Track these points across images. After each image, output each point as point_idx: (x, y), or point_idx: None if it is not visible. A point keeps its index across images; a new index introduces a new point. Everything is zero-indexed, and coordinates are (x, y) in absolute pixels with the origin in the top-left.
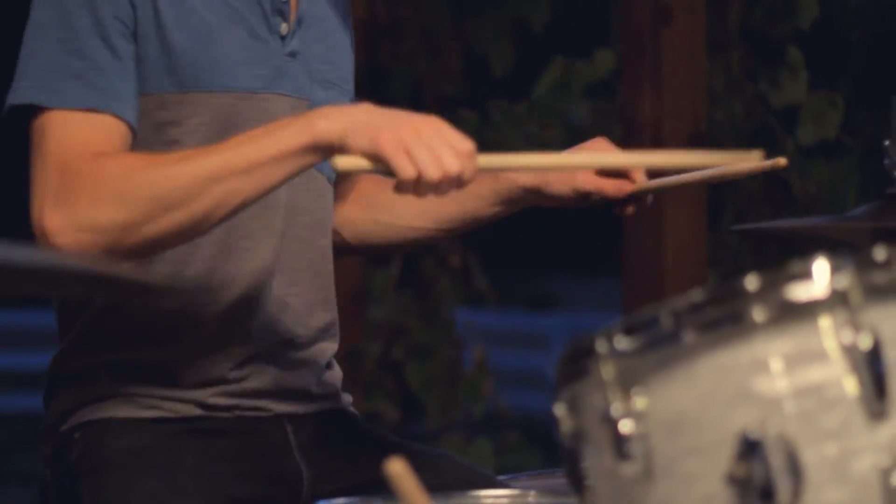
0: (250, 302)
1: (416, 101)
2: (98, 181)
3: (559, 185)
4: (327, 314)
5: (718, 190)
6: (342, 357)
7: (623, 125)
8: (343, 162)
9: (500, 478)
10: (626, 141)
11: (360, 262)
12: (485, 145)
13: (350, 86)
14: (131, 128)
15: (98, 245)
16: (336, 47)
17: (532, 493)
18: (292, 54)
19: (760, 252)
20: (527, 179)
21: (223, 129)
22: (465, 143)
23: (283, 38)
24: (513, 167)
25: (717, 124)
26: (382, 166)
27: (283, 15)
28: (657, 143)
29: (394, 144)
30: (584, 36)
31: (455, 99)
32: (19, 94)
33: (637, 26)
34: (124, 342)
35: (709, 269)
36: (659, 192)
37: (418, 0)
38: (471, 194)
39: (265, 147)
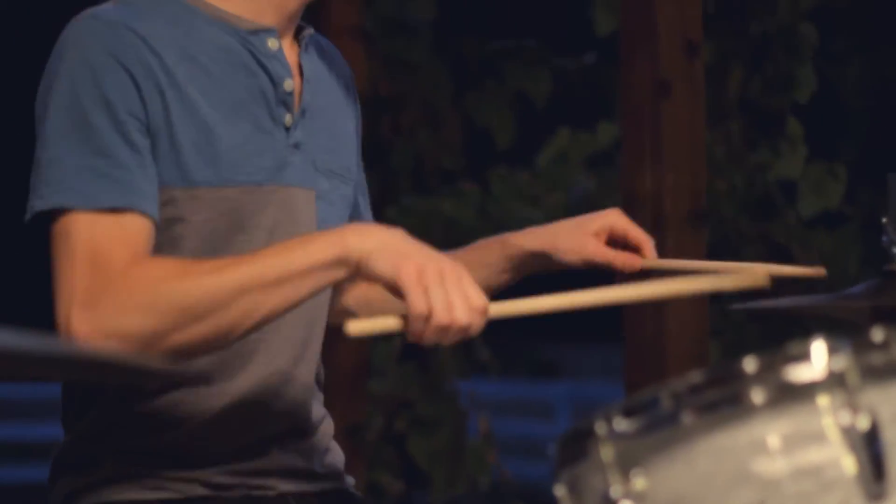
0: (260, 394)
1: (417, 173)
2: (128, 289)
3: (570, 255)
4: (320, 396)
5: (719, 260)
6: (345, 431)
7: (623, 198)
8: (355, 327)
9: None
10: (626, 214)
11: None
12: (486, 218)
13: (352, 174)
14: (155, 222)
15: (124, 345)
16: (339, 136)
17: None
18: (296, 145)
19: (763, 324)
20: (535, 245)
21: (229, 225)
22: (480, 299)
23: (287, 129)
24: (525, 312)
25: (717, 195)
26: (397, 309)
27: (288, 106)
28: (658, 216)
29: (415, 277)
30: (586, 107)
31: (455, 172)
32: (46, 200)
33: (636, 99)
34: (130, 429)
35: (711, 341)
36: (667, 271)
37: (419, 73)
38: (481, 263)
39: (295, 260)
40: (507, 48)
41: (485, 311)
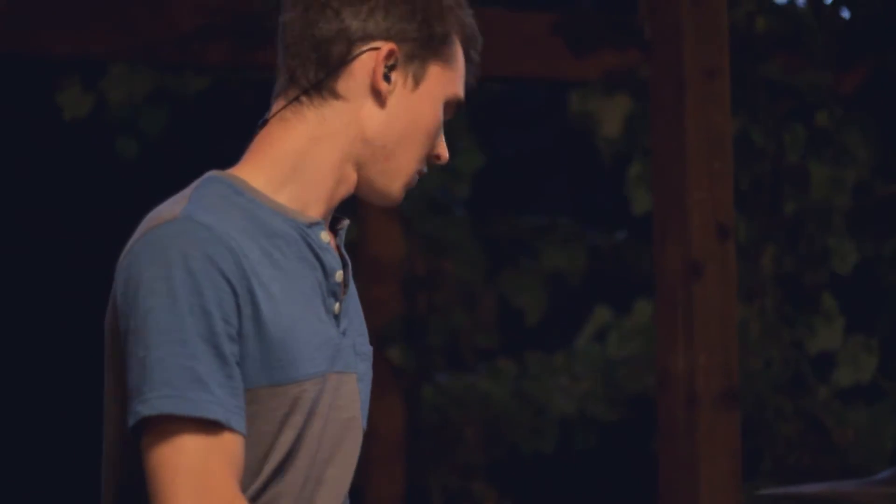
0: None
1: (452, 350)
2: None
3: None
4: None
5: (755, 437)
6: None
7: (657, 378)
8: None
9: None
10: (660, 392)
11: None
12: (522, 396)
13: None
14: (244, 439)
15: None
16: (361, 318)
17: None
18: (344, 333)
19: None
20: None
21: (304, 419)
22: None
23: (336, 317)
24: None
25: (751, 373)
26: None
27: (336, 296)
28: (690, 395)
29: None
30: (618, 284)
31: (491, 350)
32: (151, 405)
33: (669, 280)
34: None
35: None
36: None
37: (455, 251)
38: None
39: None
40: (540, 225)
41: None
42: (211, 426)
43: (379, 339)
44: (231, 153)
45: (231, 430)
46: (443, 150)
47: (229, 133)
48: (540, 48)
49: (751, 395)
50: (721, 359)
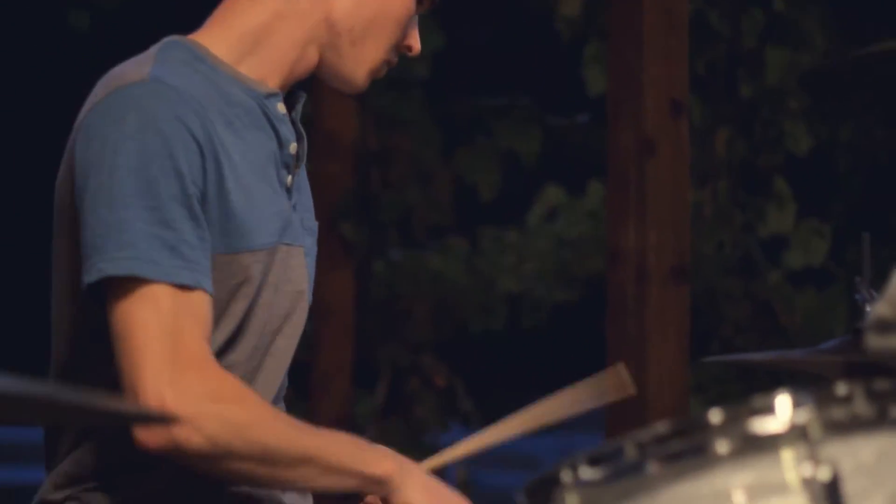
0: None
1: (405, 228)
2: (219, 385)
3: None
4: None
5: (705, 319)
6: None
7: (607, 255)
8: None
9: None
10: (610, 270)
11: (345, 388)
12: (474, 273)
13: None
14: (212, 300)
15: (197, 451)
16: (309, 194)
17: None
18: (294, 206)
19: (745, 380)
20: None
21: (256, 288)
22: None
23: (288, 190)
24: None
25: (702, 255)
26: None
27: (289, 168)
28: (641, 272)
29: None
30: (576, 167)
31: (444, 227)
32: (119, 265)
33: (622, 157)
34: (110, 469)
35: (692, 396)
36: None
37: (410, 128)
38: None
39: (353, 459)
40: (498, 106)
41: None
42: (182, 289)
43: (331, 214)
44: (186, 29)
45: (202, 290)
46: (414, 42)
47: (184, 7)
48: None
49: (701, 277)
50: (672, 236)
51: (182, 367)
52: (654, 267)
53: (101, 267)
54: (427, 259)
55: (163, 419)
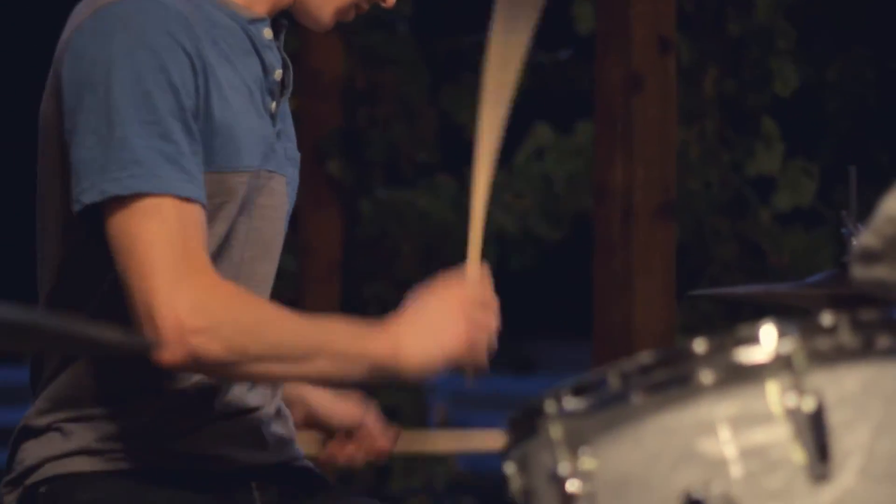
0: None
1: (392, 166)
2: (235, 302)
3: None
4: None
5: (693, 257)
6: None
7: (595, 190)
8: None
9: None
10: (597, 206)
11: None
12: (460, 212)
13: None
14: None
15: (217, 358)
16: (291, 124)
17: None
18: (278, 134)
19: (733, 318)
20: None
21: (240, 210)
22: (493, 300)
23: (272, 116)
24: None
25: (690, 193)
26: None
27: (274, 94)
28: (627, 209)
29: (459, 349)
30: (563, 104)
31: (431, 165)
32: (121, 184)
33: (610, 94)
34: (93, 398)
35: (679, 334)
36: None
37: (397, 66)
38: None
39: (359, 345)
40: (483, 42)
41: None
42: (185, 200)
43: (317, 152)
44: None
45: (200, 203)
46: None
47: None
48: None
49: (689, 216)
50: (659, 173)
51: (193, 277)
52: (640, 204)
53: (104, 188)
54: (414, 197)
55: (157, 346)
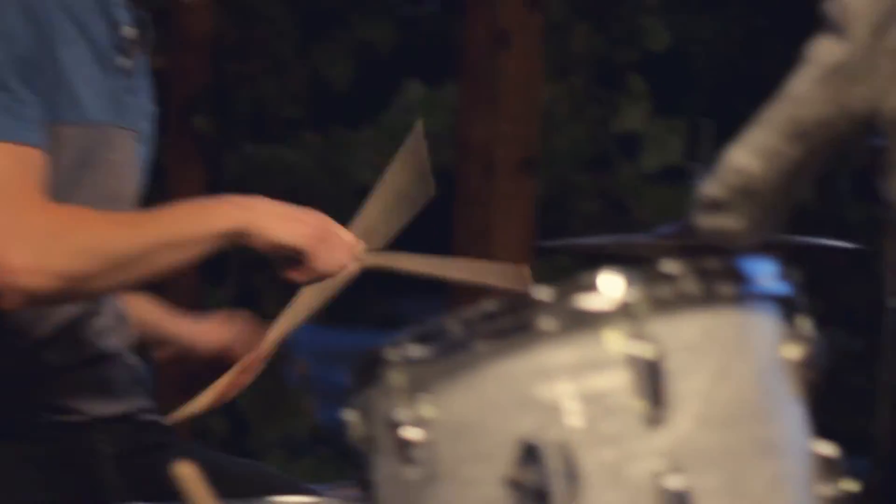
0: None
1: (259, 122)
2: (60, 226)
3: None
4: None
5: (553, 213)
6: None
7: (457, 147)
8: None
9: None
10: (459, 161)
11: (194, 280)
12: (327, 169)
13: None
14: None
15: (54, 290)
16: (150, 82)
17: (330, 500)
18: (131, 88)
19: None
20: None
21: (79, 162)
22: (355, 243)
23: (124, 72)
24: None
25: (555, 149)
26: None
27: (125, 52)
28: (488, 164)
29: (313, 238)
30: (435, 60)
31: (298, 122)
32: None
33: (476, 49)
34: None
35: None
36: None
37: (265, 21)
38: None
39: (202, 224)
40: None
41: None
42: (20, 145)
43: (185, 107)
44: None
45: (40, 150)
46: None
47: None
48: None
49: (554, 172)
50: (524, 129)
51: (22, 216)
52: (502, 159)
53: None
54: (280, 153)
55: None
